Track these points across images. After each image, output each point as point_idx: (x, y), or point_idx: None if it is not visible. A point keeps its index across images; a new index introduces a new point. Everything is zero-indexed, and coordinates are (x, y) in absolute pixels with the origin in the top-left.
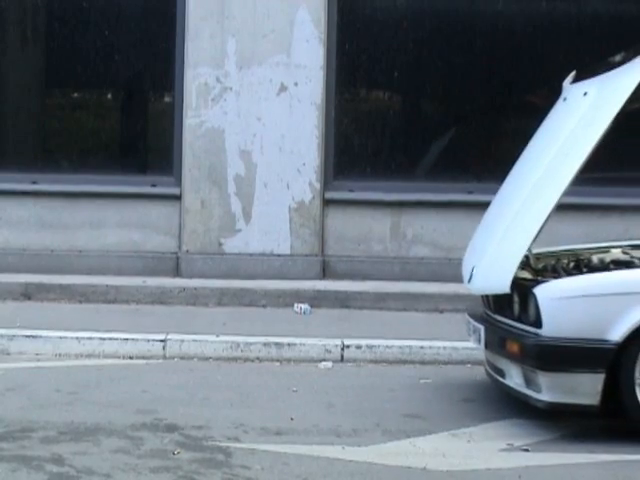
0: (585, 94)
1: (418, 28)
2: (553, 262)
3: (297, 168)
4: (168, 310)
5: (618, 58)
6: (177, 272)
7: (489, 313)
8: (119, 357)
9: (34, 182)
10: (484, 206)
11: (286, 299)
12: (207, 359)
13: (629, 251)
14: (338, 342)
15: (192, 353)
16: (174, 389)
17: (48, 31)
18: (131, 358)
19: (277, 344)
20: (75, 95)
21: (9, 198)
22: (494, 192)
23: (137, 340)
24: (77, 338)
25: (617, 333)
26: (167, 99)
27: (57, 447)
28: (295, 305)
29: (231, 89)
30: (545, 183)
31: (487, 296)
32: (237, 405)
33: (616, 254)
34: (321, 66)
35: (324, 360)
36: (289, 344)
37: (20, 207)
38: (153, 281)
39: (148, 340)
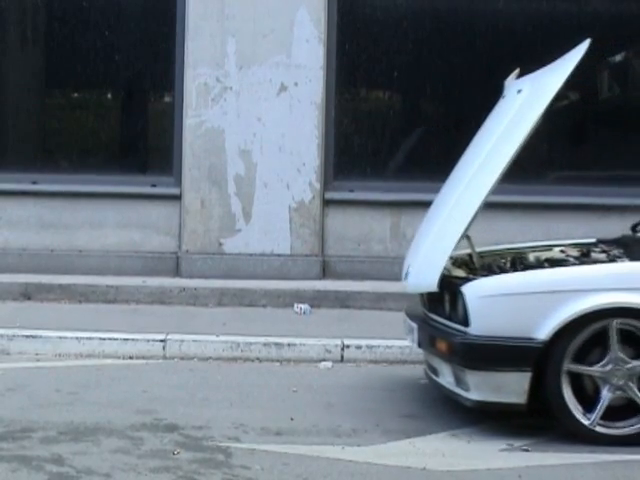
0: (519, 91)
1: (418, 28)
2: (493, 260)
3: (297, 168)
4: (168, 310)
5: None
6: (177, 272)
7: (425, 311)
8: (119, 357)
9: (34, 182)
10: (484, 206)
11: (286, 299)
12: (207, 359)
13: (568, 249)
14: (338, 342)
15: (192, 353)
16: (174, 389)
17: (48, 31)
18: (131, 358)
19: (277, 344)
20: (75, 95)
21: (9, 198)
22: (494, 192)
23: (137, 340)
24: (77, 338)
25: (543, 332)
26: (167, 99)
27: (57, 447)
28: (295, 305)
29: (231, 89)
30: (475, 182)
31: (423, 294)
32: (237, 405)
33: (554, 253)
34: (321, 66)
35: (324, 360)
36: (289, 344)
37: (20, 207)
38: (153, 281)
39: (148, 340)
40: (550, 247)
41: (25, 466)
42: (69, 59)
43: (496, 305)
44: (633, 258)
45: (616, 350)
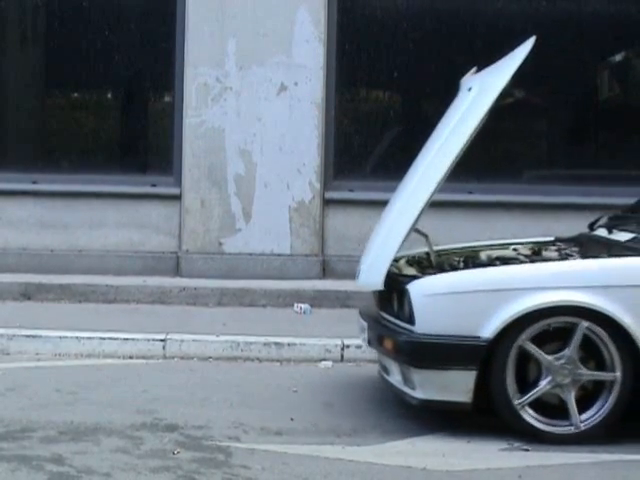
0: (469, 89)
1: (418, 28)
2: (448, 259)
3: (297, 168)
4: (168, 310)
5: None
6: (177, 272)
7: (377, 310)
8: (119, 357)
9: (34, 182)
10: (484, 206)
11: (286, 299)
12: (207, 359)
13: (521, 248)
14: (338, 342)
15: (192, 353)
16: (174, 389)
17: (48, 31)
18: (131, 358)
19: (277, 344)
20: (75, 95)
21: (9, 198)
22: (494, 192)
23: (137, 340)
24: (77, 338)
25: (488, 330)
26: (167, 99)
27: (57, 447)
28: (295, 305)
29: (231, 89)
30: (422, 180)
31: (375, 293)
32: (237, 405)
33: (507, 251)
34: (321, 66)
35: (324, 360)
36: (289, 344)
37: (20, 207)
38: (153, 281)
39: (148, 340)
40: (508, 245)
41: (25, 466)
42: (69, 59)
43: (441, 303)
44: (585, 256)
45: (544, 359)
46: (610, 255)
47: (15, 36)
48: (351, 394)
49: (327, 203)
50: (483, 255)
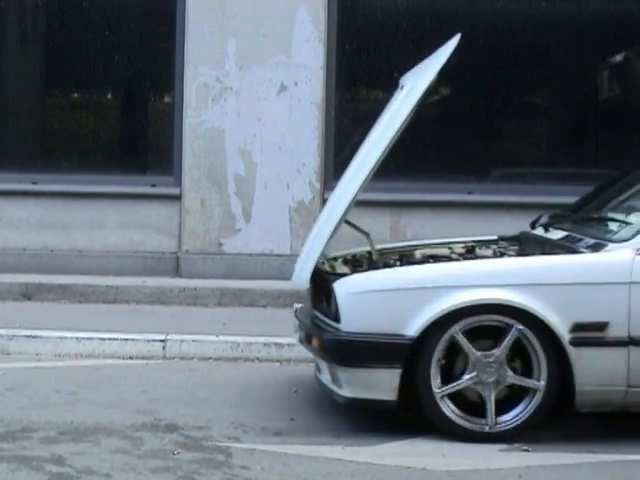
0: (402, 87)
1: (418, 28)
2: (385, 257)
3: (297, 168)
4: (168, 310)
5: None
6: (177, 272)
7: (311, 308)
8: (119, 357)
9: (34, 182)
10: (484, 206)
11: (286, 299)
12: (207, 359)
13: (455, 246)
14: None
15: (192, 353)
16: (174, 389)
17: (48, 31)
18: (131, 358)
19: (277, 344)
20: (75, 95)
21: (9, 198)
22: (494, 192)
23: (137, 340)
24: (77, 338)
25: (413, 328)
26: (167, 99)
27: (57, 447)
28: (295, 305)
29: (231, 89)
30: (351, 179)
31: (308, 291)
32: (237, 405)
33: (442, 249)
34: (321, 66)
35: None
36: (289, 344)
37: (20, 207)
38: (153, 281)
39: (148, 340)
40: (449, 244)
41: (25, 466)
42: (69, 59)
43: (366, 301)
44: (520, 255)
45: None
46: (539, 253)
47: (15, 36)
48: None
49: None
50: (418, 253)
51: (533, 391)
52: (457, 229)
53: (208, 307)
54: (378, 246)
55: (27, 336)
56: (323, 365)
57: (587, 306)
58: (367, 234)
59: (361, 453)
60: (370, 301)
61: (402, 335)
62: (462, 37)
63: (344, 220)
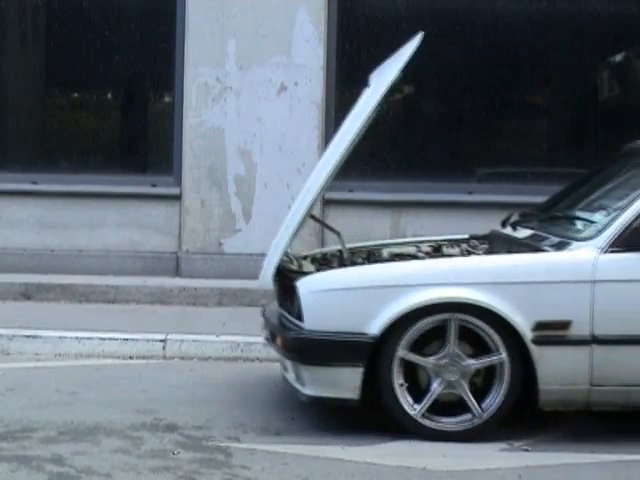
0: (368, 86)
1: (418, 28)
2: (354, 256)
3: (297, 168)
4: (168, 310)
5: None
6: (177, 272)
7: (278, 307)
8: (119, 357)
9: (34, 182)
10: (484, 206)
11: None
12: (207, 359)
13: (422, 245)
14: None
15: (192, 353)
16: (174, 389)
17: (48, 31)
18: (131, 358)
19: None
20: (75, 95)
21: (9, 198)
22: (494, 192)
23: (137, 340)
24: (77, 338)
25: (375, 327)
26: (167, 99)
27: (57, 447)
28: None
29: (231, 89)
30: (314, 178)
31: (275, 290)
32: (237, 405)
33: (409, 248)
34: (321, 66)
35: None
36: None
37: (20, 207)
38: (153, 281)
39: (148, 340)
40: (417, 243)
41: (25, 466)
42: (69, 59)
43: (329, 300)
44: (487, 253)
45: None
46: (505, 252)
47: (15, 36)
48: None
49: (327, 203)
50: (385, 252)
51: (500, 367)
52: (457, 229)
53: (208, 307)
54: (350, 245)
55: (27, 336)
56: (288, 364)
57: (550, 305)
58: (338, 233)
59: (361, 453)
60: (333, 299)
61: (364, 334)
62: (461, 37)
63: (320, 220)
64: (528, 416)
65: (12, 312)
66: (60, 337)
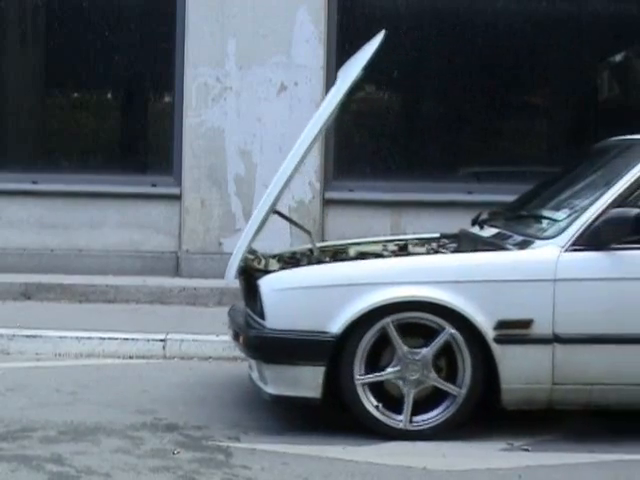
0: (335, 83)
1: (418, 28)
2: (323, 255)
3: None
4: (168, 310)
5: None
6: (177, 272)
7: (245, 306)
8: (119, 357)
9: (34, 182)
10: (484, 206)
11: None
12: (207, 359)
13: (390, 244)
14: None
15: (192, 353)
16: (174, 389)
17: (48, 31)
18: (131, 358)
19: None
20: (75, 95)
21: (9, 198)
22: (494, 192)
23: (137, 340)
24: (77, 338)
25: (336, 325)
26: (167, 99)
27: (57, 447)
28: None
29: (231, 89)
30: (279, 175)
31: (240, 288)
32: (237, 405)
33: (375, 246)
34: (321, 66)
35: None
36: None
37: (20, 207)
38: (153, 281)
39: (148, 340)
40: (385, 242)
41: (25, 466)
42: (69, 59)
43: (290, 298)
44: (453, 252)
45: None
46: (470, 250)
47: (15, 36)
48: None
49: (327, 203)
50: (352, 251)
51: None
52: (457, 229)
53: (208, 307)
54: (321, 243)
55: (27, 336)
56: (253, 362)
57: (512, 303)
58: (309, 232)
59: (361, 453)
60: (294, 298)
61: (326, 332)
62: (461, 37)
63: (287, 217)
64: (528, 416)
65: (12, 312)
66: (60, 337)
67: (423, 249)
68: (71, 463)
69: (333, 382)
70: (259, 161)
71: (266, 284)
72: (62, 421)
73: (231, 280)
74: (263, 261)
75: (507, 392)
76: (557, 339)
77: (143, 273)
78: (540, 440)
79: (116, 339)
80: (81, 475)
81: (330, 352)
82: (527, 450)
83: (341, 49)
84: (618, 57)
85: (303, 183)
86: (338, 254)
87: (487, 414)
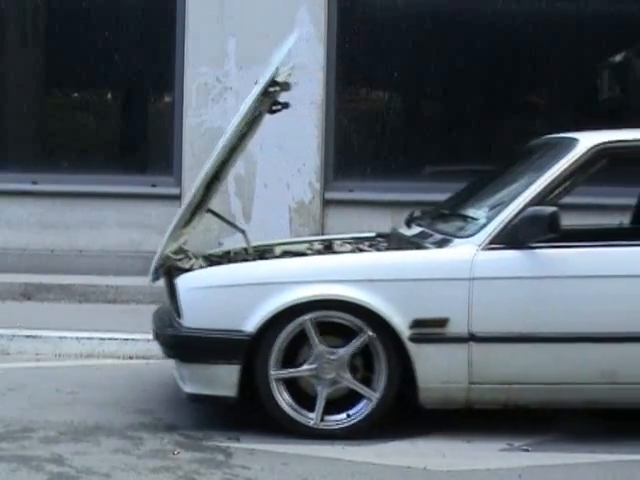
0: (256, 83)
1: (418, 28)
2: (255, 254)
3: (297, 168)
4: None
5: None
6: None
7: (169, 305)
8: (119, 357)
9: (34, 182)
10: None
11: None
12: None
13: (316, 243)
14: None
15: None
16: (174, 389)
17: (48, 31)
18: (131, 358)
19: None
20: (75, 95)
21: (9, 198)
22: None
23: (137, 340)
24: (77, 338)
25: (251, 324)
26: (167, 99)
27: (57, 447)
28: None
29: (231, 89)
30: (200, 176)
31: (165, 288)
32: (237, 405)
33: (301, 246)
34: (321, 66)
35: None
36: None
37: (20, 207)
38: None
39: (148, 340)
40: (313, 241)
41: (25, 466)
42: (69, 59)
43: (206, 297)
44: (378, 251)
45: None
46: (393, 249)
47: (15, 36)
48: None
49: (327, 203)
50: (277, 250)
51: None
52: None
53: None
54: (257, 243)
55: (27, 336)
56: (174, 361)
57: (427, 302)
58: (243, 231)
59: (361, 453)
60: (210, 297)
61: (240, 331)
62: (461, 37)
63: (219, 215)
64: (528, 416)
65: (12, 312)
66: (60, 337)
67: (348, 248)
68: (71, 463)
69: (249, 381)
70: (259, 161)
71: (183, 282)
72: (62, 421)
73: (150, 283)
74: (192, 260)
75: (424, 391)
76: (473, 338)
77: (143, 273)
78: (540, 440)
79: (116, 339)
80: (81, 475)
81: (245, 351)
82: (527, 450)
83: (341, 49)
84: (618, 57)
85: (303, 183)
86: (265, 253)
87: (487, 414)
